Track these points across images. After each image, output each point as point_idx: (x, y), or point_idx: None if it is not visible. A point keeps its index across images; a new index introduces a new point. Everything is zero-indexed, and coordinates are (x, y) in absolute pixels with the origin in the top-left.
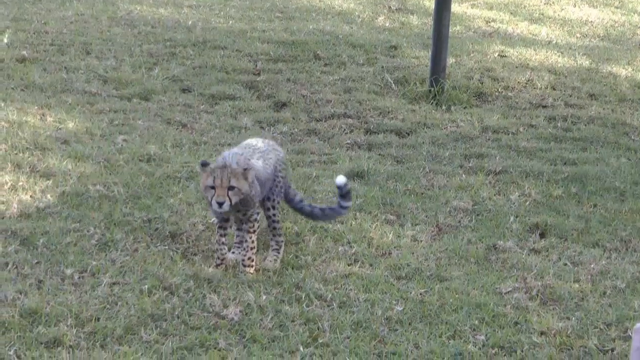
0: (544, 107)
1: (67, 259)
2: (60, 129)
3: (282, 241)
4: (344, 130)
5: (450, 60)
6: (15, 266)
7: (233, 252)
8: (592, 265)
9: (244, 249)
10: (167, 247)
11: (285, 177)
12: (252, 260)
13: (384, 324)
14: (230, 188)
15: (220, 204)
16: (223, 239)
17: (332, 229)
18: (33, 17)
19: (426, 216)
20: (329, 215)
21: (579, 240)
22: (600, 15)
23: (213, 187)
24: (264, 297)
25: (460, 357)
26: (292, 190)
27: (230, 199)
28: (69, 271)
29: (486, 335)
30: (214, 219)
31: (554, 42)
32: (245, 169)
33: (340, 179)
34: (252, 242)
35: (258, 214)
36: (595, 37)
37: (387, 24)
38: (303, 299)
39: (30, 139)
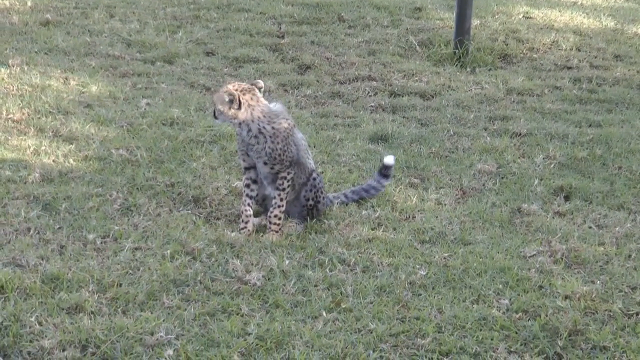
0: (569, 68)
1: (90, 224)
2: (83, 92)
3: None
4: (368, 92)
5: (475, 22)
6: (37, 231)
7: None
8: (616, 228)
9: (272, 206)
10: (189, 212)
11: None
12: (279, 219)
13: (407, 289)
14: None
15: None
16: (249, 200)
17: None
18: None
19: (450, 179)
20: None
21: (603, 203)
22: None
23: None
24: (287, 261)
25: (484, 321)
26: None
27: (215, 115)
28: (91, 236)
29: (510, 299)
30: (236, 183)
31: (579, 2)
32: (232, 97)
33: (389, 159)
34: (280, 199)
35: (289, 173)
36: None
37: None
38: (326, 263)
39: (53, 103)
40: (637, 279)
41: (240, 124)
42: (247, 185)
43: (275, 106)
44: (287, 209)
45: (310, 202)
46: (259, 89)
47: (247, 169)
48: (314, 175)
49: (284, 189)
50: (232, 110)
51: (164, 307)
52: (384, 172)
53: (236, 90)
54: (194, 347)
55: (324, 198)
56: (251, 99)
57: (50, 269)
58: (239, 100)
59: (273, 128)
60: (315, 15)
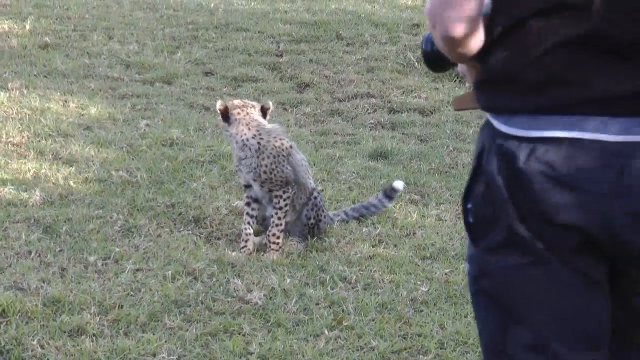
0: None
1: (91, 246)
2: (83, 115)
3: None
4: (368, 110)
5: None
6: (38, 255)
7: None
8: None
9: (270, 225)
10: (190, 232)
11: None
12: (279, 238)
13: (409, 306)
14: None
15: None
16: (249, 219)
17: None
18: (55, 3)
19: (451, 195)
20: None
21: None
22: None
23: None
24: (288, 280)
25: None
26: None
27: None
28: (92, 258)
29: None
30: (237, 203)
31: None
32: (220, 110)
33: (399, 184)
34: (278, 218)
35: (286, 192)
36: None
37: (409, 2)
38: (327, 281)
39: (53, 126)
40: None
41: (230, 136)
42: (248, 204)
43: (272, 126)
44: (288, 229)
45: (312, 221)
46: (267, 109)
47: (246, 187)
48: (315, 194)
49: (281, 208)
50: (222, 123)
51: (166, 329)
52: (389, 194)
53: (228, 104)
54: None
55: (325, 217)
56: (239, 114)
57: (51, 292)
58: (226, 114)
59: (259, 144)
60: (314, 33)
